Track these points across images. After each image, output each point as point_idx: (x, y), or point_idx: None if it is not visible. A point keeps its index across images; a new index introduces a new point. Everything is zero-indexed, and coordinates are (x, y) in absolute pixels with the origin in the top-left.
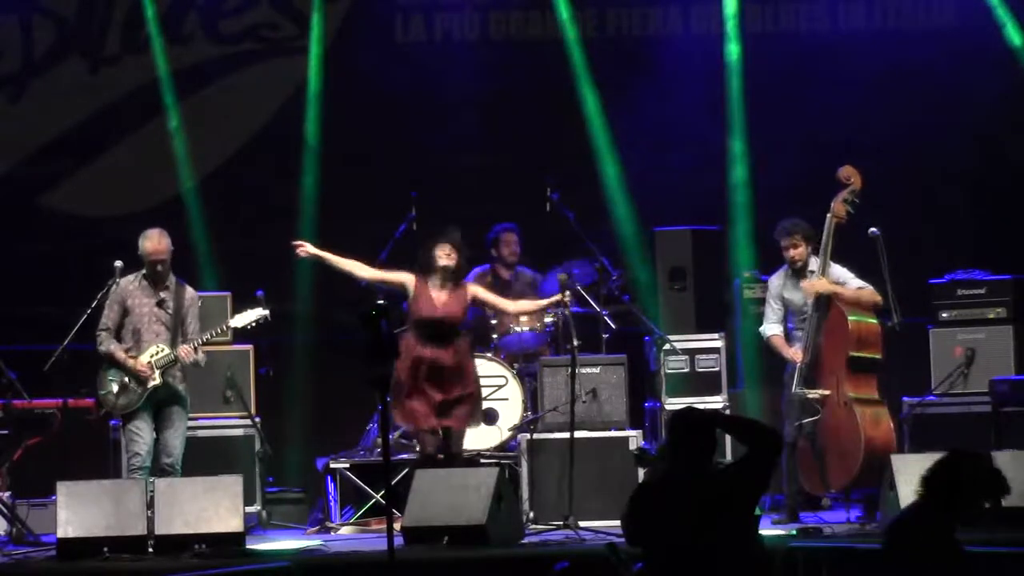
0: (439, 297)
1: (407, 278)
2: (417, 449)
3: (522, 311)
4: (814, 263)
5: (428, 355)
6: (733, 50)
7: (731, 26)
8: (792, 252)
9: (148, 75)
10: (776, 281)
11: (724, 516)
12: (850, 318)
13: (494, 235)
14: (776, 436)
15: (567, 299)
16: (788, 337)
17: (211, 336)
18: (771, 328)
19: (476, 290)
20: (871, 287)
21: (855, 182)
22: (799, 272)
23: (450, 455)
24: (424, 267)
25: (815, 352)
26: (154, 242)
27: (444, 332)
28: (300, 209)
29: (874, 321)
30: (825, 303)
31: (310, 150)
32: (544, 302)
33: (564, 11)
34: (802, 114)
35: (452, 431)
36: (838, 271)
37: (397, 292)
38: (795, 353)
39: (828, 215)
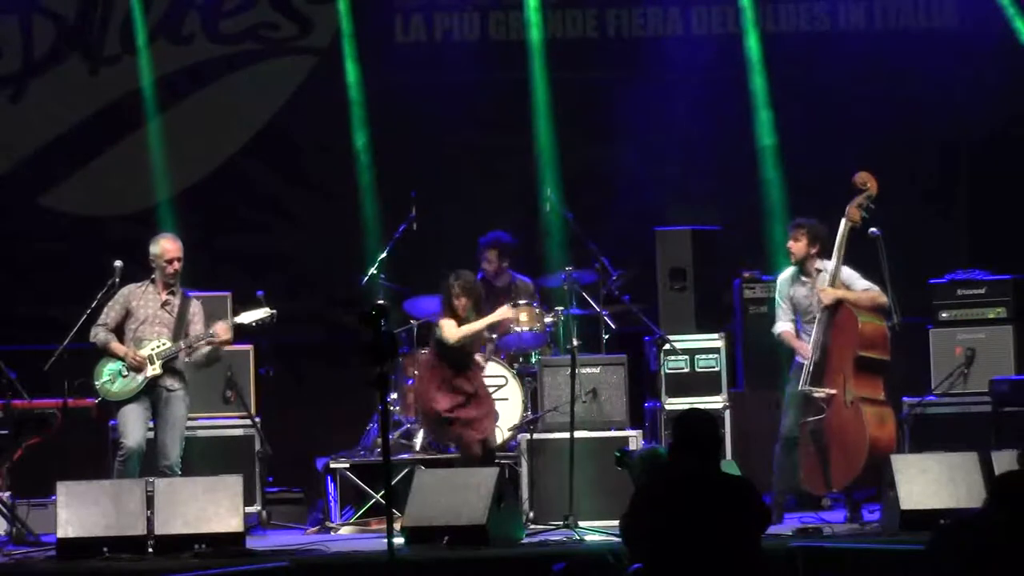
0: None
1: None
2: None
3: (473, 330)
4: (824, 264)
5: (454, 379)
6: (751, 37)
7: (747, 17)
8: (791, 245)
9: (148, 75)
10: (784, 279)
11: (726, 518)
12: (861, 319)
13: (479, 248)
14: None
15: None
16: (797, 335)
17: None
18: (781, 324)
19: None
20: (877, 288)
21: (871, 187)
22: (805, 270)
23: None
24: (448, 307)
25: (823, 351)
26: (166, 245)
27: (466, 360)
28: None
29: (882, 323)
30: (835, 305)
31: (362, 161)
32: (491, 317)
33: (533, 10)
34: (801, 113)
35: (490, 444)
36: (847, 273)
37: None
38: (803, 346)
39: (843, 219)
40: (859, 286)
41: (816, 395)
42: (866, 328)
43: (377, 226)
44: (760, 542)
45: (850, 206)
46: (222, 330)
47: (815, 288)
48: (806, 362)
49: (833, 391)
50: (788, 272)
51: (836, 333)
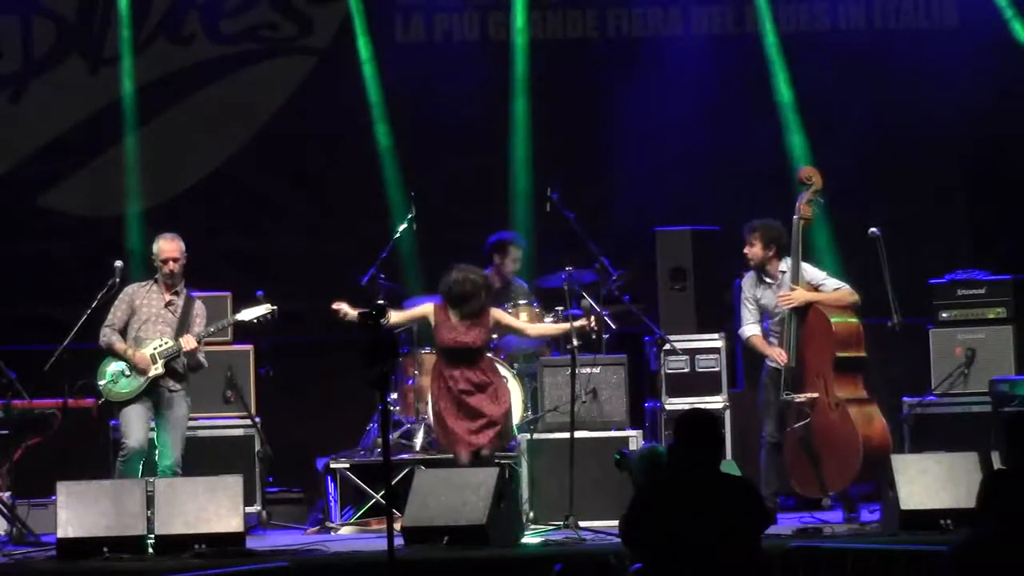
0: (460, 325)
1: (427, 309)
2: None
3: (542, 334)
4: (785, 265)
5: (457, 377)
6: (770, 35)
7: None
8: (747, 250)
9: (148, 75)
10: (747, 282)
11: (726, 518)
12: (832, 320)
13: (499, 242)
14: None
15: (592, 325)
16: (765, 337)
17: (218, 328)
18: (749, 329)
19: (499, 315)
20: (848, 286)
21: (816, 181)
22: (767, 272)
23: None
24: (444, 296)
25: (799, 356)
26: (163, 245)
27: (468, 357)
28: (390, 218)
29: (855, 321)
30: (804, 308)
31: (386, 153)
32: (565, 326)
33: (520, 17)
34: (800, 113)
35: (482, 452)
36: (811, 272)
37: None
38: (778, 353)
39: (795, 217)
40: (829, 286)
41: (798, 400)
42: (840, 328)
43: (409, 226)
44: (760, 542)
45: (799, 203)
46: (185, 341)
47: (780, 290)
48: (782, 368)
49: (814, 395)
50: (751, 275)
51: (809, 337)
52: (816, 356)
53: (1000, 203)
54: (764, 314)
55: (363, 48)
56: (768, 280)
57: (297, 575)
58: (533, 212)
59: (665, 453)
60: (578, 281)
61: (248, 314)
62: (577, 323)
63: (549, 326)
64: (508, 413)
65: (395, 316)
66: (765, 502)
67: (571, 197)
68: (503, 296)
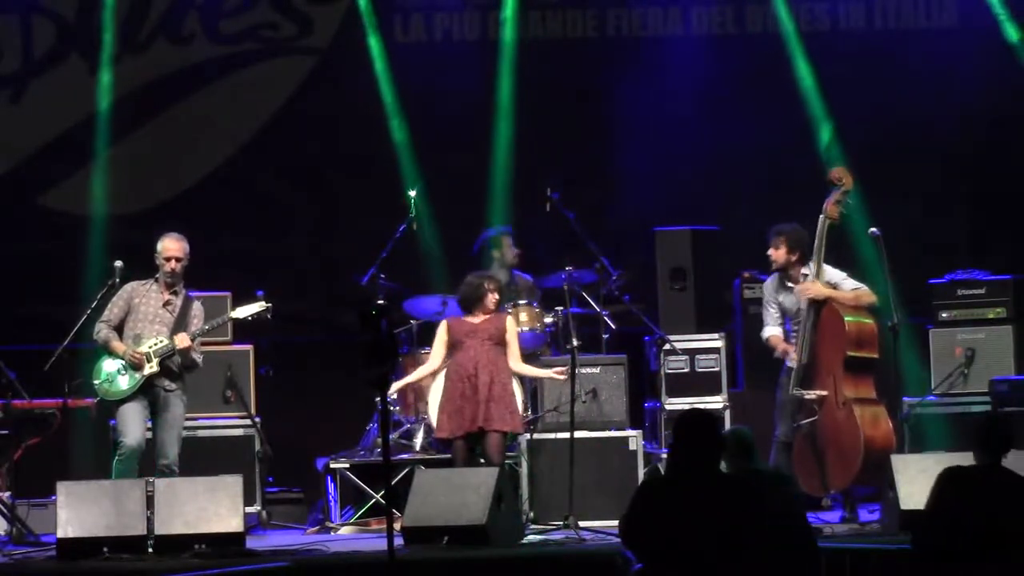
0: (472, 321)
1: (442, 327)
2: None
3: (523, 374)
4: (807, 270)
5: (477, 357)
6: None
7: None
8: (771, 252)
9: (148, 75)
10: (770, 285)
11: (725, 518)
12: (846, 319)
13: (492, 237)
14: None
15: (564, 377)
16: (786, 339)
17: (213, 326)
18: (769, 329)
19: (511, 327)
20: (866, 287)
21: (846, 182)
22: (789, 276)
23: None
24: (466, 304)
25: (811, 353)
26: (167, 243)
27: (489, 339)
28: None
29: (870, 321)
30: (820, 305)
31: (402, 148)
32: (546, 373)
33: (509, 11)
34: (803, 111)
35: (489, 437)
36: (832, 273)
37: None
38: (792, 349)
39: (821, 216)
40: (847, 286)
41: (807, 397)
42: (852, 327)
43: (409, 226)
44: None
45: (827, 203)
46: (179, 339)
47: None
48: (796, 366)
49: (824, 393)
50: (774, 278)
51: (823, 334)
52: (828, 354)
53: (1000, 203)
54: (786, 316)
55: (374, 45)
56: (790, 284)
57: (297, 575)
58: (532, 212)
59: (750, 434)
60: (578, 281)
61: (243, 311)
62: (555, 370)
63: (532, 369)
64: (510, 395)
65: (434, 366)
66: (761, 500)
67: (571, 197)
68: (506, 294)
